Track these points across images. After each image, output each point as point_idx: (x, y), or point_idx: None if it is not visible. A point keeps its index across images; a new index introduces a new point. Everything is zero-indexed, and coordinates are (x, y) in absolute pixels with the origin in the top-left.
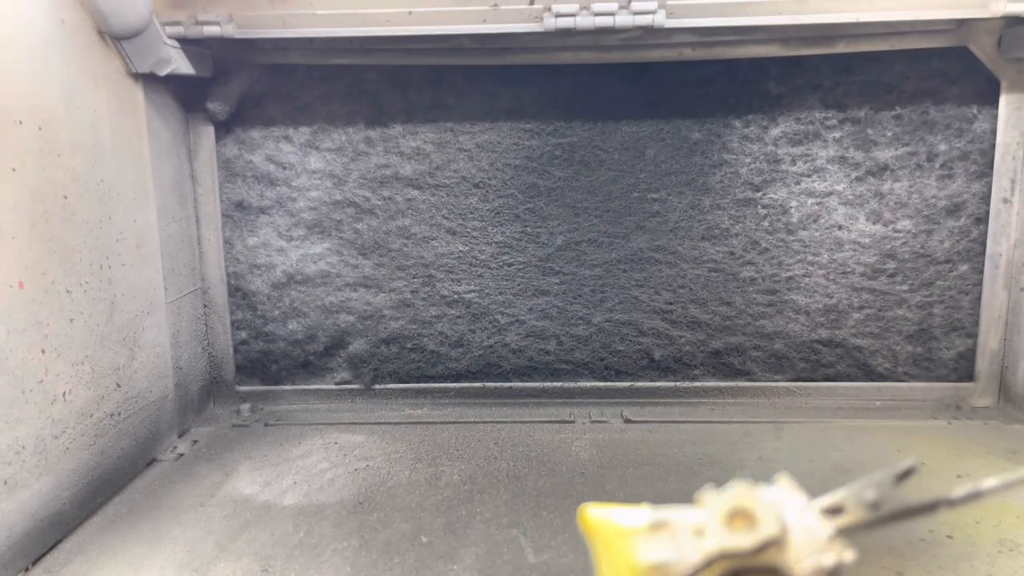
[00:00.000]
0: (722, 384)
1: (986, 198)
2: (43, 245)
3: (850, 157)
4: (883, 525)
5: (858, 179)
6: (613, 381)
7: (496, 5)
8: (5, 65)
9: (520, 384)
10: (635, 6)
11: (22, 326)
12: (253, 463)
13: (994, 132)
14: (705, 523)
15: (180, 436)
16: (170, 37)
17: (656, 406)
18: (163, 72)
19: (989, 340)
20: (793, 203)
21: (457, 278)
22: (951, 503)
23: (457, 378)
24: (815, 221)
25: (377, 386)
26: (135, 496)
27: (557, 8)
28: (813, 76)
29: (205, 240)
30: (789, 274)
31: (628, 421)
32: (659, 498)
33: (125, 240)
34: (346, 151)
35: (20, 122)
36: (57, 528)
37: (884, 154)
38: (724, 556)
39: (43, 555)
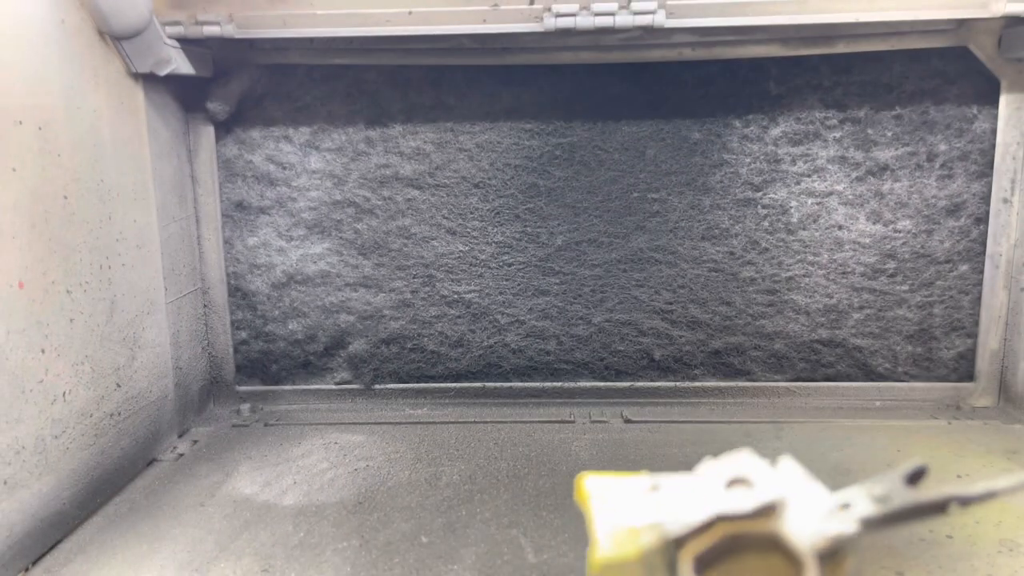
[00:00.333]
0: (722, 384)
1: (986, 198)
2: (43, 245)
3: (850, 157)
4: (893, 524)
5: (858, 179)
6: (613, 381)
7: (496, 5)
8: (5, 65)
9: (520, 384)
10: (635, 6)
11: (22, 326)
12: (253, 463)
13: (994, 132)
14: (705, 488)
15: (180, 436)
16: (170, 37)
17: (656, 406)
18: (163, 72)
19: (989, 340)
20: (793, 203)
21: (457, 278)
22: (964, 501)
23: (457, 378)
24: (815, 221)
25: (377, 386)
26: (135, 496)
27: (557, 8)
28: (813, 76)
29: (205, 240)
30: (789, 274)
31: (628, 421)
32: None
33: (125, 240)
34: (346, 151)
35: (20, 122)
36: (57, 528)
37: (884, 154)
38: (722, 519)
39: (43, 555)
